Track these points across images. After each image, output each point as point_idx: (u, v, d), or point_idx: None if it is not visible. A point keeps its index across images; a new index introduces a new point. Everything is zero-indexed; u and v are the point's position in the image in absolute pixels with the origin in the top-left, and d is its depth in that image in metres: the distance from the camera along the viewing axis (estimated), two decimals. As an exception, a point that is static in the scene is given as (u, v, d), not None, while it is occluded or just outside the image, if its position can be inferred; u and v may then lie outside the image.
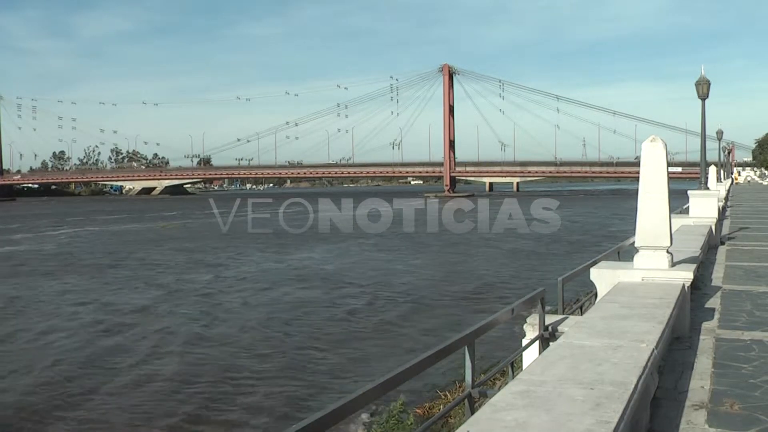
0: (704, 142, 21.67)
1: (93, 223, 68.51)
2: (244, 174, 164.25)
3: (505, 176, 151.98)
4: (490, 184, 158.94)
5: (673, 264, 8.15)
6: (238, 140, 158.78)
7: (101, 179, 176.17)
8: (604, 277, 8.16)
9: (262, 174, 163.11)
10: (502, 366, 6.45)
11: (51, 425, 12.68)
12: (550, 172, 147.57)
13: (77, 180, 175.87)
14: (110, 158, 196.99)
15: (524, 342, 7.34)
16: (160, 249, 42.35)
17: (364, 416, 10.61)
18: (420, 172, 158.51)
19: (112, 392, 14.27)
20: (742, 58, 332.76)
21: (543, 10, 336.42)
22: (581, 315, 7.66)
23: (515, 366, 6.84)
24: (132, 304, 23.76)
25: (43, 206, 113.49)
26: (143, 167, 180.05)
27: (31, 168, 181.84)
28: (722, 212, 22.36)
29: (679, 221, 14.73)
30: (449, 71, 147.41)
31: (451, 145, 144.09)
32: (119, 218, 76.73)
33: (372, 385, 3.81)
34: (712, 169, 29.38)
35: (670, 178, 8.07)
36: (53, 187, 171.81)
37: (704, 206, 17.42)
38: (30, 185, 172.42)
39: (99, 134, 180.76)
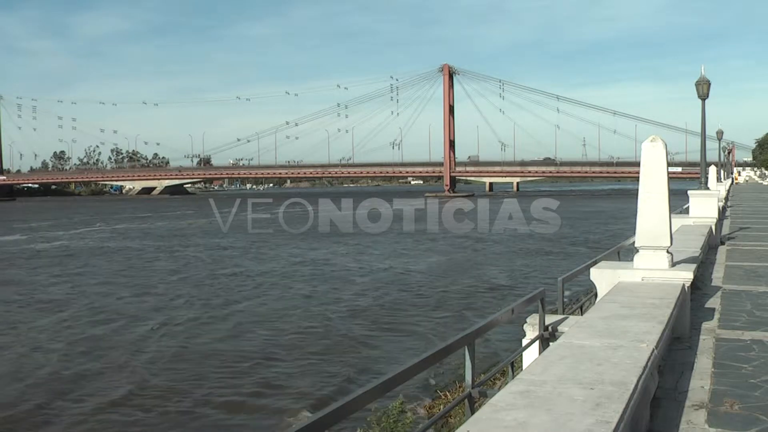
0: (704, 142, 21.66)
1: (120, 222, 69.50)
2: (244, 174, 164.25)
3: (505, 176, 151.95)
4: (490, 184, 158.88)
5: (673, 264, 8.14)
6: (238, 140, 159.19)
7: (101, 179, 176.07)
8: (604, 277, 8.15)
9: (262, 174, 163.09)
10: (502, 366, 6.45)
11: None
12: (550, 172, 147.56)
13: (77, 180, 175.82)
14: (110, 158, 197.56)
15: (524, 342, 7.33)
16: (210, 244, 44.84)
17: (364, 416, 10.59)
18: (420, 172, 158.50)
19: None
20: (742, 58, 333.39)
21: (542, 10, 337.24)
22: (581, 315, 7.65)
23: (515, 366, 6.83)
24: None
25: (48, 206, 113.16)
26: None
27: (31, 168, 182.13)
28: (722, 212, 22.34)
29: (679, 221, 14.72)
30: (449, 71, 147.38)
31: (451, 145, 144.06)
32: (139, 217, 77.85)
33: (372, 385, 3.81)
34: (712, 169, 29.34)
35: (670, 178, 8.07)
36: (53, 187, 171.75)
37: (704, 206, 17.41)
38: (30, 185, 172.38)
39: (99, 134, 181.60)
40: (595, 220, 61.13)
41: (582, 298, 10.61)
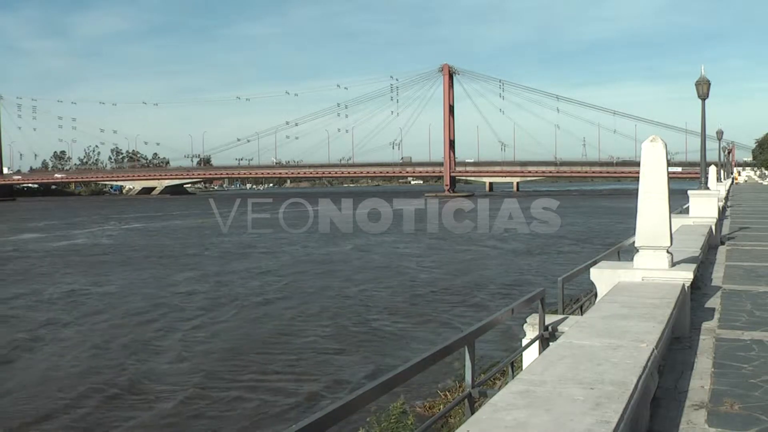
0: (704, 142, 21.66)
1: (134, 221, 70.13)
2: (244, 174, 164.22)
3: (505, 176, 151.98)
4: (490, 184, 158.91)
5: (673, 264, 8.14)
6: (238, 140, 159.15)
7: (101, 179, 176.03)
8: (604, 277, 8.15)
9: (262, 174, 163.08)
10: (502, 366, 6.45)
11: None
12: (550, 172, 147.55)
13: (77, 180, 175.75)
14: (110, 158, 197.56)
15: (524, 342, 7.33)
16: (212, 243, 45.92)
17: (364, 416, 10.58)
18: (420, 172, 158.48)
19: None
20: (742, 58, 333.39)
21: (541, 10, 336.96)
22: (581, 315, 7.65)
23: (515, 366, 6.83)
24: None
25: (51, 206, 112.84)
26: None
27: (31, 168, 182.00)
28: (722, 212, 22.34)
29: (679, 221, 14.71)
30: (449, 71, 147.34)
31: (451, 145, 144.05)
32: (148, 215, 78.63)
33: (372, 385, 3.81)
34: (712, 169, 29.34)
35: (670, 178, 8.07)
36: (53, 186, 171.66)
37: (704, 206, 17.40)
38: (30, 185, 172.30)
39: (99, 134, 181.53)
40: (596, 219, 61.14)
41: (582, 298, 10.61)
